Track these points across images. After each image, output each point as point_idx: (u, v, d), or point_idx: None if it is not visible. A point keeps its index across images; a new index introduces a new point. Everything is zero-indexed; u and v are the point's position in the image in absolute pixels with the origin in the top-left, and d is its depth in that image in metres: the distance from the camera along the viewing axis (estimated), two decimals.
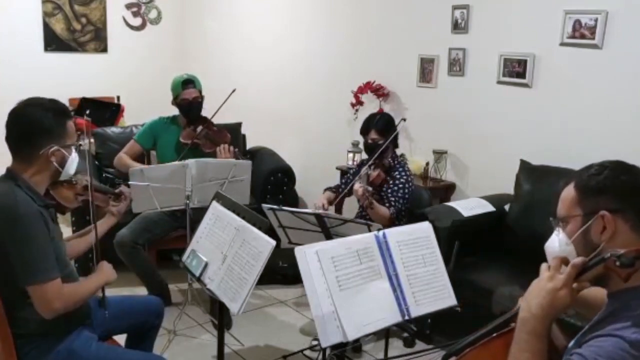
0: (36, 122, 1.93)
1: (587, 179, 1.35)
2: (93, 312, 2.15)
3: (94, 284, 2.05)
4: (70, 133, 2.00)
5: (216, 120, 3.65)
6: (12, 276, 1.86)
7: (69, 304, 1.91)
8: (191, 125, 3.60)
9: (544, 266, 1.37)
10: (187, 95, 3.55)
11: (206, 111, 3.65)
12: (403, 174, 3.30)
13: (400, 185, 3.25)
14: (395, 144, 3.40)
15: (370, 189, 3.03)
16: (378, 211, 3.09)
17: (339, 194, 3.45)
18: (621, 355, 1.16)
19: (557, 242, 1.40)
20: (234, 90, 3.52)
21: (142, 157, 3.83)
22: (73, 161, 2.01)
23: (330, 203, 3.45)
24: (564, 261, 1.33)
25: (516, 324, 1.34)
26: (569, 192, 1.38)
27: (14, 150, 1.96)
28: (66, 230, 2.21)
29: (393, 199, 3.22)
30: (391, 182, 3.27)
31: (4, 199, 1.86)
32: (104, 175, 4.17)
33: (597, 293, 1.45)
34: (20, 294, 1.88)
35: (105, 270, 2.11)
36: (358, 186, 3.05)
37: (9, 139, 1.96)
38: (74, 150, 2.01)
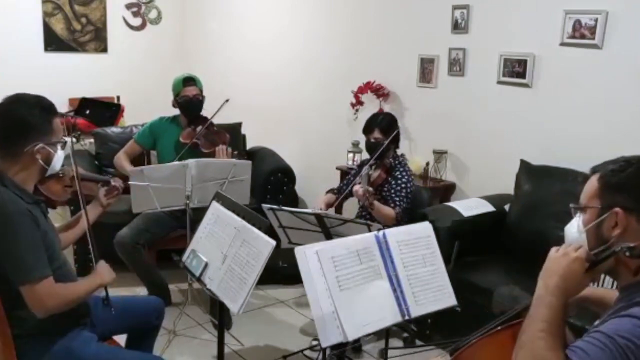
0: (21, 119, 1.89)
1: (610, 174, 1.37)
2: (93, 311, 2.15)
3: (88, 285, 2.00)
4: (56, 130, 1.96)
5: (216, 120, 3.65)
6: (8, 275, 1.85)
7: (62, 303, 1.88)
8: (191, 125, 3.60)
9: (553, 249, 1.39)
10: (188, 92, 3.55)
11: (206, 112, 3.65)
12: (404, 173, 3.30)
13: (403, 185, 3.26)
14: (396, 144, 3.40)
15: (370, 189, 3.04)
16: (381, 211, 3.10)
17: (340, 197, 3.44)
18: None
19: (575, 227, 1.43)
20: (226, 100, 3.49)
21: (141, 158, 3.83)
22: (59, 158, 1.98)
23: (329, 206, 3.46)
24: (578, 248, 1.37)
25: (531, 303, 1.34)
26: (592, 183, 1.40)
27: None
28: None
29: (397, 198, 3.22)
30: (393, 182, 3.28)
31: None
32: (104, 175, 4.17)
33: (607, 293, 1.49)
34: (19, 293, 1.87)
35: (101, 271, 2.05)
36: (358, 187, 3.06)
37: None
38: (59, 148, 1.97)
